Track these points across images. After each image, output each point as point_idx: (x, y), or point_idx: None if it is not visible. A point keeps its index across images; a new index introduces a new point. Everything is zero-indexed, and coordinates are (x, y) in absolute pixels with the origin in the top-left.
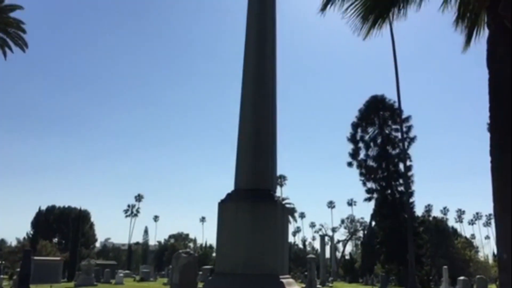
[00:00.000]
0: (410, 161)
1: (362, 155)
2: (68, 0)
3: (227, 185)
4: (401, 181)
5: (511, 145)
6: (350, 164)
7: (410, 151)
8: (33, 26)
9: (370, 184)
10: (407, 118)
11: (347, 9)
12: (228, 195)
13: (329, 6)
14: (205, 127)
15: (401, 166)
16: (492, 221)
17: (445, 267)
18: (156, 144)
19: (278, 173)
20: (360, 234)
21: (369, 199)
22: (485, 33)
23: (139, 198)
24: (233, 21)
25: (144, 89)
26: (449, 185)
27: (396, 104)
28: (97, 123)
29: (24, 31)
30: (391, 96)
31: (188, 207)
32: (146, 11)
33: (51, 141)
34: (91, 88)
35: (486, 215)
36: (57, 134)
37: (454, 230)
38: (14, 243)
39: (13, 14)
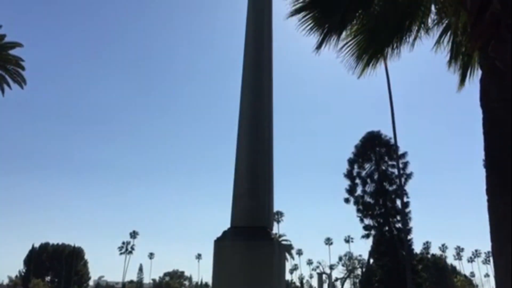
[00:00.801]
0: (408, 197)
1: (359, 191)
2: (65, 39)
3: (224, 222)
4: (398, 217)
5: (506, 186)
6: (347, 200)
7: (407, 188)
8: (31, 63)
9: (367, 221)
10: (403, 154)
11: (341, 48)
12: (224, 232)
13: (324, 45)
14: (201, 164)
15: (399, 202)
16: (491, 259)
17: None
18: (152, 180)
19: (275, 209)
20: (358, 271)
21: (366, 236)
22: (479, 73)
23: (134, 235)
24: (231, 58)
25: (139, 126)
26: (447, 222)
27: (392, 140)
28: (91, 159)
29: (23, 68)
30: (387, 132)
31: (184, 244)
32: (147, 51)
33: (44, 177)
34: (84, 125)
35: (485, 253)
36: (49, 170)
37: (453, 268)
38: (6, 281)
39: (13, 51)
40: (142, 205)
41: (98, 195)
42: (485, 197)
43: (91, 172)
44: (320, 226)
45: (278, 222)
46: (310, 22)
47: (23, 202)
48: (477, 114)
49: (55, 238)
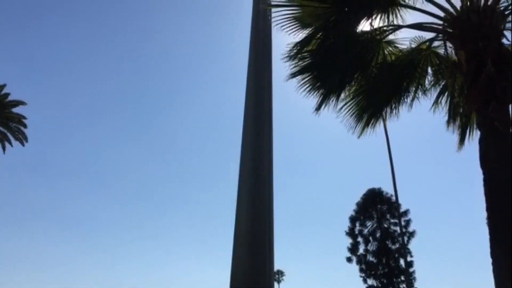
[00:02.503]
0: (411, 256)
1: (361, 250)
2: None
3: (223, 282)
4: (402, 277)
5: (510, 249)
6: (349, 259)
7: (410, 246)
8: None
9: (371, 281)
10: (405, 212)
11: (341, 108)
12: None
13: (323, 106)
14: (199, 222)
15: (402, 261)
16: None
17: None
18: (146, 237)
19: (275, 268)
20: None
21: None
22: (477, 133)
23: None
24: (231, 113)
25: (136, 182)
26: (453, 280)
27: (394, 198)
28: (81, 217)
29: (25, 126)
30: (388, 188)
31: None
32: (151, 103)
33: (37, 234)
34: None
35: None
36: (38, 227)
37: None
38: None
39: (15, 109)
40: (136, 263)
41: (94, 252)
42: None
43: (84, 231)
44: (322, 285)
45: (279, 282)
46: (309, 84)
47: (17, 258)
48: (479, 172)
49: None
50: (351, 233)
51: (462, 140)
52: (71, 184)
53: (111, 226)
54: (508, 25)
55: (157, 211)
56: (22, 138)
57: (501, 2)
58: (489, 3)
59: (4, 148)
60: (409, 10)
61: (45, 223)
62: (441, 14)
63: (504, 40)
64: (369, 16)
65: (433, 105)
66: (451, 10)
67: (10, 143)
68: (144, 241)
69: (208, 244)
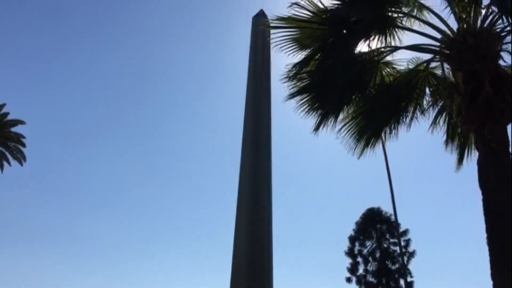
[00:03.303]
0: (411, 277)
1: (361, 270)
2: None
3: None
4: None
5: (511, 269)
6: (349, 280)
7: (410, 266)
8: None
9: None
10: (405, 232)
11: (340, 129)
12: None
13: (321, 126)
14: (198, 247)
15: (402, 282)
16: None
17: None
18: (141, 258)
19: None
20: None
21: None
22: (476, 153)
23: None
24: (230, 137)
25: (133, 200)
26: None
27: (393, 217)
28: (77, 236)
29: (24, 145)
30: (387, 208)
31: None
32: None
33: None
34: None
35: None
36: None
37: None
38: None
39: (14, 128)
40: (129, 284)
41: (90, 272)
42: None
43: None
44: None
45: None
46: (307, 104)
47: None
48: (479, 191)
49: None
50: (350, 253)
51: (460, 160)
52: (70, 202)
53: (111, 245)
54: (505, 46)
55: (157, 230)
56: (20, 158)
57: (497, 24)
58: (485, 25)
59: (2, 167)
60: (406, 32)
61: (43, 242)
62: (438, 35)
63: (501, 62)
64: (367, 37)
65: (431, 125)
66: (448, 32)
67: (8, 162)
68: (143, 260)
69: (205, 267)
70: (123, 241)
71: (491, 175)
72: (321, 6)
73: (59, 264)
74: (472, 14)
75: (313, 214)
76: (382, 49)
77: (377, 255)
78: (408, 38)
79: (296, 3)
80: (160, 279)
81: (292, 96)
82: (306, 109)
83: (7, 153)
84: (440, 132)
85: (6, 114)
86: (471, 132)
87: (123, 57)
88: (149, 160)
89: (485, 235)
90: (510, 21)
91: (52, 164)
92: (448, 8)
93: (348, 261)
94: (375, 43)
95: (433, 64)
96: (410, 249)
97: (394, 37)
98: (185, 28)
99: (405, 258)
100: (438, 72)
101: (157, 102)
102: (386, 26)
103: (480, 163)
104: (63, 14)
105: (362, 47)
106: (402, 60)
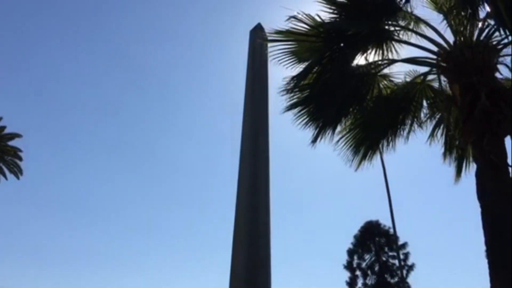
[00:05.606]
0: None
1: (360, 283)
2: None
3: None
4: None
5: (510, 282)
6: None
7: (409, 280)
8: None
9: None
10: (404, 245)
11: (337, 141)
12: None
13: (319, 139)
14: (196, 260)
15: None
16: None
17: None
18: (137, 270)
19: None
20: None
21: None
22: (474, 165)
23: None
24: (227, 149)
25: (133, 215)
26: None
27: (392, 230)
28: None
29: (20, 159)
30: (386, 221)
31: None
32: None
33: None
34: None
35: None
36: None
37: None
38: None
39: (11, 142)
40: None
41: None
42: None
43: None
44: None
45: None
46: (305, 117)
47: None
48: (477, 203)
49: None
50: (349, 266)
51: (459, 173)
52: (67, 217)
53: (108, 260)
54: (501, 59)
55: (154, 245)
56: (17, 171)
57: (493, 37)
58: (481, 38)
59: None
60: (403, 45)
61: (40, 257)
62: (435, 49)
63: (498, 74)
64: (364, 51)
65: (429, 137)
66: (445, 45)
67: (5, 176)
68: (140, 275)
69: (203, 285)
70: (123, 255)
71: (489, 187)
72: (319, 20)
73: (56, 276)
74: (468, 27)
75: (311, 227)
76: (380, 62)
77: (376, 268)
78: (405, 51)
79: (293, 17)
80: None
81: (290, 108)
82: (304, 121)
83: (3, 167)
84: (438, 145)
85: (3, 127)
86: (469, 145)
87: (123, 70)
88: (148, 173)
89: (484, 248)
90: (508, 33)
91: (50, 177)
92: (445, 21)
93: (347, 274)
94: (372, 56)
95: (430, 77)
96: (409, 262)
97: (391, 50)
98: (183, 42)
99: (404, 272)
100: (435, 84)
101: (155, 114)
102: (383, 39)
103: (478, 175)
104: (60, 14)
105: (360, 60)
106: (399, 73)
